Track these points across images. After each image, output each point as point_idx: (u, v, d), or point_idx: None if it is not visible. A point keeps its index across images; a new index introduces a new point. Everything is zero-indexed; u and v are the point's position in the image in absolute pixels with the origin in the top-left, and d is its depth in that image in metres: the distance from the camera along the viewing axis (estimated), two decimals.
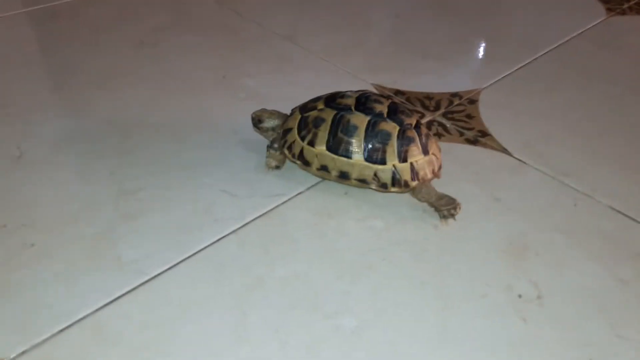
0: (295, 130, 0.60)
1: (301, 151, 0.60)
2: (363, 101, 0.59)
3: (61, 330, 0.47)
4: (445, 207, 0.59)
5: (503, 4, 1.13)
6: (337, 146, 0.58)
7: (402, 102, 0.80)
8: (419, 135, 0.59)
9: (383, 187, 0.58)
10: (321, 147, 0.58)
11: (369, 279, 0.53)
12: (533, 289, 0.53)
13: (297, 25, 0.99)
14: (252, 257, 0.55)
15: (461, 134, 0.74)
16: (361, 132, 0.57)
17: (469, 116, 0.78)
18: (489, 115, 0.78)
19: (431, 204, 0.60)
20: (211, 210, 0.60)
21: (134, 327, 0.48)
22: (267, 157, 0.64)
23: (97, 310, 0.49)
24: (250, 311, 0.50)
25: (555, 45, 0.96)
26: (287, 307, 0.50)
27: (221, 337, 0.48)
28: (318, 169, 0.60)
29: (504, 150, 0.71)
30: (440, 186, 0.61)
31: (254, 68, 0.86)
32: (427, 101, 0.81)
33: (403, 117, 0.59)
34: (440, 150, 0.62)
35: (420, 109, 0.79)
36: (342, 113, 0.58)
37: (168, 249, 0.55)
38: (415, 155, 0.58)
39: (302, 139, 0.60)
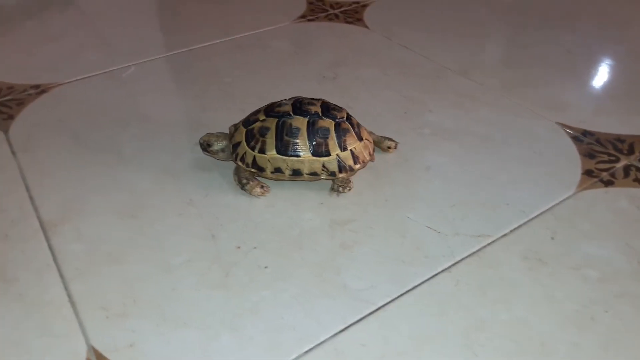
0: (244, 142, 0.67)
1: (254, 159, 0.66)
2: (298, 106, 0.67)
3: (306, 352, 0.52)
4: (339, 184, 0.68)
5: None
6: (285, 148, 0.65)
7: (591, 142, 0.79)
8: (352, 125, 0.67)
9: (332, 175, 0.66)
10: (272, 152, 0.65)
11: (594, 331, 0.53)
12: None
13: (468, 61, 1.01)
14: (470, 297, 0.57)
15: None
16: (304, 132, 0.65)
17: None
18: None
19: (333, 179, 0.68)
20: (420, 246, 0.63)
21: (372, 356, 0.51)
22: (249, 191, 0.68)
23: (334, 335, 0.53)
24: (480, 352, 0.51)
25: None
26: (516, 353, 0.51)
27: None
28: (272, 172, 0.66)
29: None
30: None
31: (434, 104, 0.88)
32: (619, 144, 0.79)
33: (335, 112, 0.67)
34: (370, 134, 0.71)
35: (612, 151, 0.77)
36: (283, 119, 0.66)
37: (388, 281, 0.58)
38: (353, 143, 0.67)
39: (252, 148, 0.66)
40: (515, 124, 0.83)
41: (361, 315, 0.55)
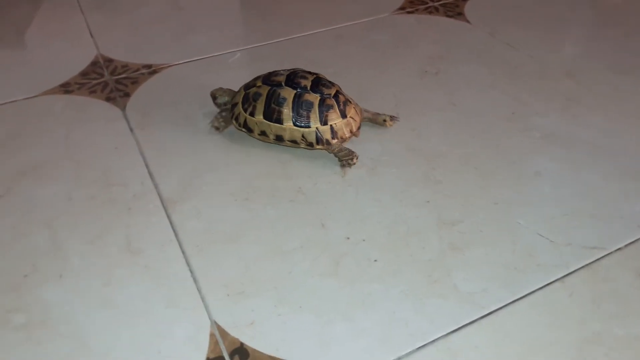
0: (240, 104, 0.74)
1: (245, 121, 0.73)
2: (292, 77, 0.73)
3: (419, 348, 0.53)
4: (345, 158, 0.73)
5: None
6: (271, 115, 0.71)
7: None
8: (337, 102, 0.72)
9: (310, 145, 0.72)
10: (259, 117, 0.72)
11: None
12: None
13: (575, 63, 0.97)
14: (584, 309, 0.56)
15: None
16: (289, 102, 0.71)
17: None
18: None
19: (335, 154, 0.74)
20: (531, 253, 0.62)
21: (485, 358, 0.52)
22: (212, 120, 0.78)
23: (447, 334, 0.54)
24: None
25: None
26: None
27: None
28: (259, 134, 0.74)
29: None
30: None
31: (541, 106, 0.86)
32: None
33: (324, 88, 0.72)
34: (359, 113, 0.75)
35: None
36: (274, 88, 0.72)
37: (500, 286, 0.58)
38: (334, 119, 0.72)
39: (245, 110, 0.73)
40: (626, 134, 0.81)
41: (473, 318, 0.55)
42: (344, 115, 0.73)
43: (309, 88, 0.72)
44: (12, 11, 1.14)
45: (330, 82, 0.75)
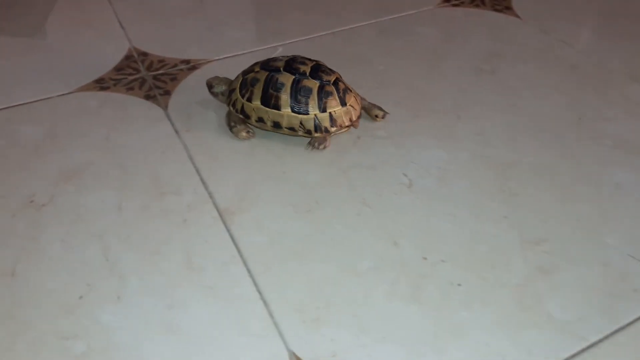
0: (238, 90, 0.72)
1: (242, 106, 0.71)
2: (290, 63, 0.71)
3: None
4: (316, 141, 0.72)
5: None
6: (268, 101, 0.69)
7: None
8: (337, 90, 0.70)
9: (308, 133, 0.70)
10: (257, 102, 0.70)
11: None
12: None
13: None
14: None
15: None
16: (287, 88, 0.69)
17: None
18: None
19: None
20: (625, 277, 0.58)
21: None
22: (234, 133, 0.74)
23: None
24: None
25: None
26: None
27: None
28: (256, 121, 0.71)
29: None
30: None
31: (609, 111, 0.82)
32: None
33: (323, 75, 0.70)
34: (359, 102, 0.73)
35: None
36: (272, 73, 0.70)
37: (597, 314, 0.54)
38: (334, 106, 0.69)
39: (242, 96, 0.71)
40: None
41: (574, 351, 0.51)
42: (343, 103, 0.70)
43: (308, 74, 0.70)
44: (35, 0, 1.08)
45: (330, 69, 0.72)
